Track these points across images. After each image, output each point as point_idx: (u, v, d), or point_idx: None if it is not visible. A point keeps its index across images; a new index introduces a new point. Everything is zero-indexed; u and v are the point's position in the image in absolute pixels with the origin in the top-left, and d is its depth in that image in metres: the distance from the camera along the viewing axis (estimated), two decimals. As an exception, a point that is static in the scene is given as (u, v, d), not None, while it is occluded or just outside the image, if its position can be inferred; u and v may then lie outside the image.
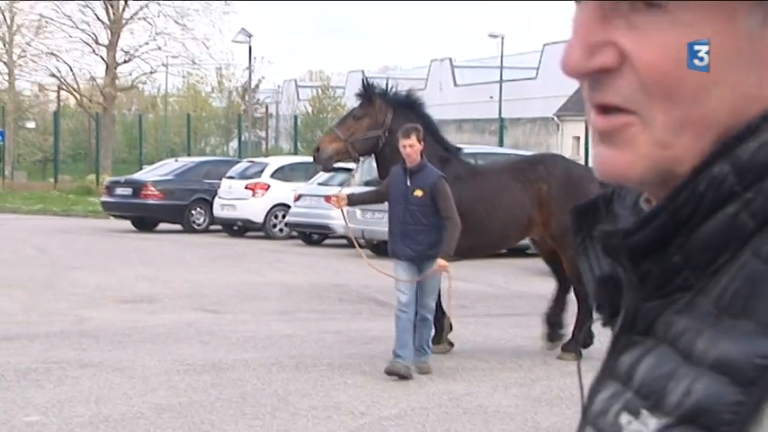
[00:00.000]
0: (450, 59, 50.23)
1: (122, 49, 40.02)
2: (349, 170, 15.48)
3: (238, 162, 22.53)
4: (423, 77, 51.09)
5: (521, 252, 15.02)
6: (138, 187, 21.25)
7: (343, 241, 17.15)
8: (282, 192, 19.44)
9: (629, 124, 0.71)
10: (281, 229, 19.77)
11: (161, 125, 48.69)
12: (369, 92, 8.52)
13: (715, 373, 0.66)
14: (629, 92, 0.71)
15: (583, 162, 23.49)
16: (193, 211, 21.15)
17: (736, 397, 0.64)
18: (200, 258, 15.93)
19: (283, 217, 19.44)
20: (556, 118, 39.78)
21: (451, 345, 8.37)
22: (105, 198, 22.17)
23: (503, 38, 37.32)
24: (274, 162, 21.11)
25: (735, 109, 0.69)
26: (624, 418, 0.72)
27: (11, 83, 42.88)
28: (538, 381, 7.44)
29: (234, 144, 44.46)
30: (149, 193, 21.05)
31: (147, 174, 22.98)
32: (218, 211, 20.32)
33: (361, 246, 10.27)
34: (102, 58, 39.95)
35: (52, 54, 41.08)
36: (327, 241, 18.60)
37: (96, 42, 40.06)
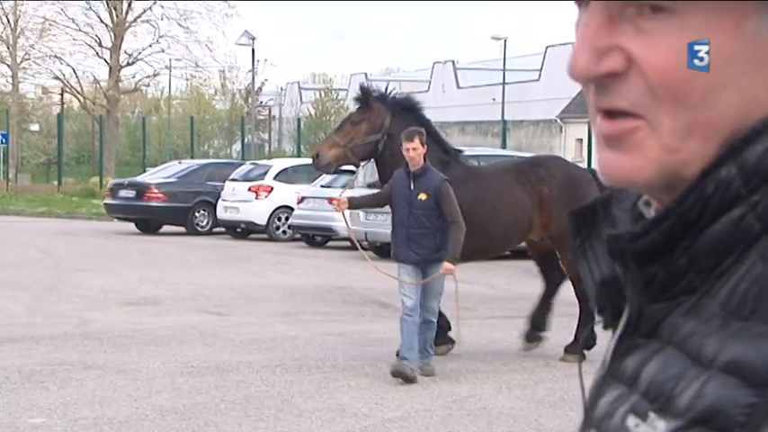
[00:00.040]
0: (453, 62, 50.23)
1: (126, 52, 40.10)
2: (352, 172, 15.51)
3: (241, 164, 22.55)
4: (426, 80, 51.12)
5: (523, 254, 14.98)
6: (141, 189, 21.28)
7: (347, 243, 17.15)
8: (285, 194, 19.46)
9: (637, 128, 0.72)
10: (284, 232, 19.78)
11: (164, 128, 48.73)
12: (366, 96, 8.48)
13: (727, 375, 0.66)
14: (636, 96, 0.71)
15: (586, 164, 23.51)
16: (197, 214, 21.17)
17: (749, 399, 0.64)
18: (204, 260, 15.96)
19: (286, 219, 19.46)
20: (559, 120, 39.77)
21: (452, 342, 8.36)
22: (109, 200, 22.20)
23: (505, 40, 37.33)
24: (277, 164, 21.14)
25: (742, 113, 0.69)
26: (631, 421, 0.71)
27: (14, 86, 42.95)
28: (541, 382, 7.45)
29: (237, 146, 44.48)
30: (153, 195, 21.09)
31: (151, 176, 23.01)
32: (221, 213, 20.35)
33: (364, 248, 10.28)
34: (106, 61, 40.00)
35: (56, 57, 41.18)
36: (330, 243, 18.61)
37: (100, 45, 40.13)
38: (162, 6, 41.03)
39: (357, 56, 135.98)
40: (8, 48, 41.76)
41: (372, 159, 8.59)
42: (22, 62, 42.18)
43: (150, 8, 39.79)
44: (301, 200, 18.21)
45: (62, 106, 46.11)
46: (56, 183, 36.22)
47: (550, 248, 8.68)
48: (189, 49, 41.22)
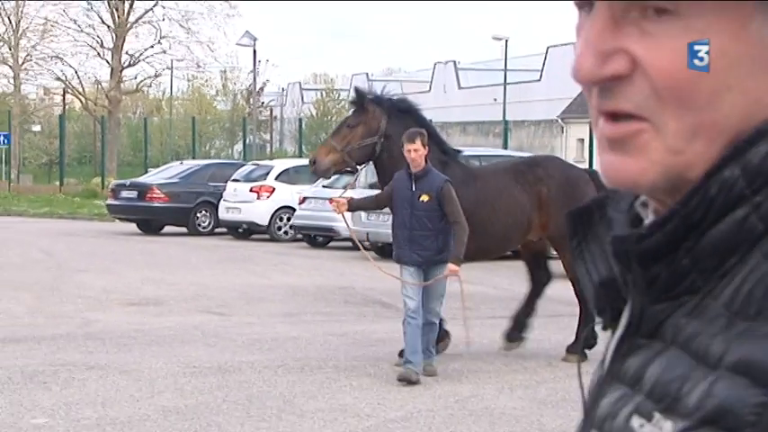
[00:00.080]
0: (455, 62, 50.23)
1: (127, 53, 40.11)
2: (353, 172, 15.52)
3: (243, 165, 22.56)
4: (427, 80, 51.13)
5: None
6: (143, 190, 21.30)
7: (348, 244, 17.16)
8: (287, 194, 19.47)
9: (642, 131, 0.72)
10: (285, 232, 19.79)
11: (166, 128, 48.75)
12: (361, 99, 8.41)
13: (735, 375, 0.66)
14: (641, 98, 0.71)
15: (587, 164, 23.50)
16: (198, 214, 21.18)
17: (759, 398, 0.64)
18: (206, 261, 15.97)
19: (288, 219, 19.47)
20: (560, 120, 39.76)
21: (448, 335, 8.36)
22: (111, 201, 22.22)
23: (507, 40, 37.33)
24: (279, 165, 21.14)
25: (746, 114, 0.70)
26: (636, 422, 0.71)
27: (16, 86, 42.99)
28: (543, 383, 7.45)
29: (239, 147, 44.54)
30: (154, 195, 21.10)
31: (153, 177, 23.03)
32: (223, 213, 20.36)
33: (366, 248, 10.28)
34: (108, 62, 40.03)
35: (58, 58, 41.22)
36: (332, 244, 18.62)
37: (101, 46, 40.18)
38: (163, 7, 41.05)
39: (358, 56, 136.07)
40: (10, 49, 41.80)
41: (369, 163, 8.57)
42: (23, 63, 42.22)
43: (152, 9, 39.85)
44: (303, 200, 18.22)
45: (64, 107, 46.14)
46: (58, 183, 36.26)
47: (542, 249, 8.72)
48: (190, 49, 41.24)
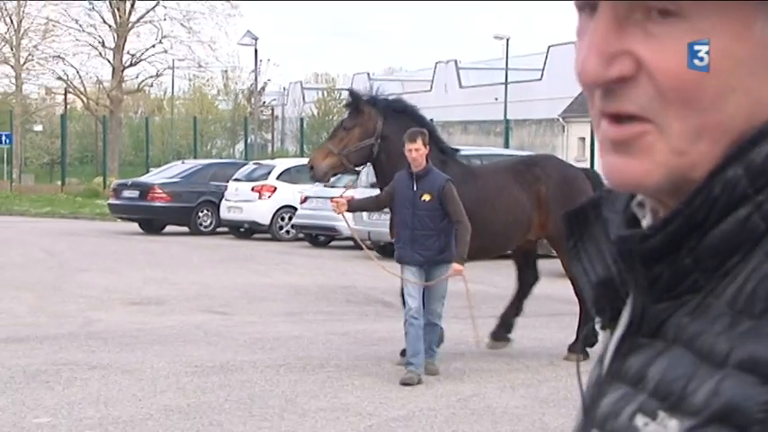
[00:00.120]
0: (456, 61, 50.22)
1: (129, 53, 40.12)
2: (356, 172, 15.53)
3: (245, 164, 22.57)
4: (428, 79, 51.12)
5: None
6: (144, 190, 21.31)
7: (350, 243, 17.17)
8: (289, 194, 19.48)
9: (646, 132, 0.72)
10: (287, 231, 19.81)
11: (167, 128, 48.77)
12: (356, 101, 8.37)
13: (743, 372, 0.66)
14: (645, 100, 0.71)
15: (588, 163, 23.49)
16: (200, 214, 21.20)
17: (767, 396, 0.65)
18: (208, 260, 15.98)
19: (290, 219, 19.48)
20: (561, 119, 39.76)
21: (441, 331, 8.37)
22: (112, 201, 22.24)
23: (508, 39, 37.35)
24: (281, 164, 21.15)
25: (750, 114, 0.70)
26: (640, 420, 0.71)
27: (18, 86, 43.01)
28: (545, 382, 7.46)
29: (240, 146, 44.50)
30: (156, 195, 21.11)
31: (154, 176, 23.05)
32: (224, 213, 20.37)
33: (369, 248, 10.27)
34: (109, 62, 40.05)
35: (59, 57, 41.23)
36: (334, 243, 18.63)
37: (103, 45, 40.18)
38: (165, 7, 41.14)
39: (360, 55, 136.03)
40: (12, 48, 41.83)
41: (368, 164, 8.55)
42: (25, 63, 42.25)
43: (153, 9, 39.86)
44: (304, 199, 18.22)
45: (65, 107, 46.15)
46: (59, 183, 36.28)
47: (532, 249, 8.75)
48: (192, 49, 41.21)
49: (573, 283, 8.27)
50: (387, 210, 8.04)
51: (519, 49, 55.85)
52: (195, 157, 31.82)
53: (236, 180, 20.45)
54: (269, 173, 20.29)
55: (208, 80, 49.97)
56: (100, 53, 40.36)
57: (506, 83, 36.60)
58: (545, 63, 42.90)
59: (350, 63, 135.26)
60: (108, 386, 7.09)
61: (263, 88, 46.51)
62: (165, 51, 40.40)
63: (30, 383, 7.13)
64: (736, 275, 0.70)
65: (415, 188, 7.38)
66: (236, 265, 15.37)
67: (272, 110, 52.14)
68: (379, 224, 15.09)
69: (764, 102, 0.70)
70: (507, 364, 8.04)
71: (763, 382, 0.65)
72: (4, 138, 36.11)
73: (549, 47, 42.74)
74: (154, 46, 40.23)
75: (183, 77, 50.68)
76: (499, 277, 13.81)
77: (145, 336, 9.07)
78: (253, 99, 38.03)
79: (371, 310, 10.88)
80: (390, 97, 8.72)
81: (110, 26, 39.76)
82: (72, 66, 41.23)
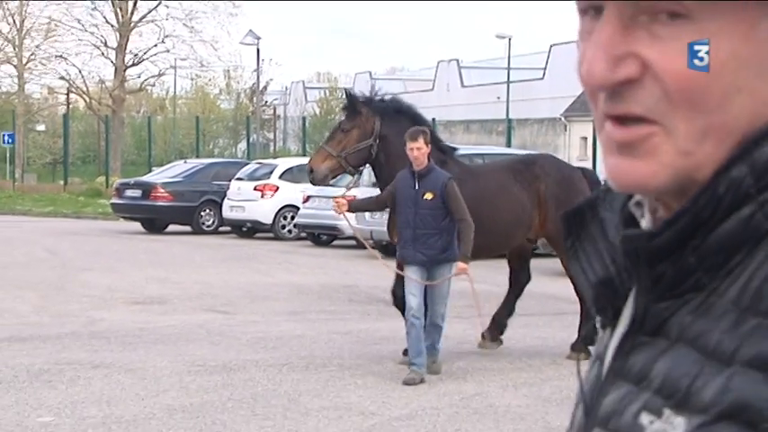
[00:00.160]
0: (458, 60, 50.19)
1: (131, 52, 40.16)
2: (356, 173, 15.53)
3: (247, 164, 22.58)
4: (430, 78, 51.10)
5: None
6: (147, 189, 21.33)
7: (352, 242, 17.17)
8: (291, 193, 19.48)
9: (652, 134, 0.72)
10: (289, 231, 19.81)
11: (170, 127, 48.78)
12: (353, 102, 8.35)
13: (752, 370, 0.66)
14: (651, 102, 0.72)
15: (591, 162, 23.48)
16: (203, 213, 21.21)
17: None
18: (210, 259, 15.99)
19: (292, 218, 19.49)
20: (563, 118, 39.73)
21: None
22: (115, 200, 22.26)
23: (510, 39, 37.32)
24: (283, 163, 21.16)
25: (755, 115, 0.71)
26: (645, 419, 0.72)
27: (20, 86, 43.04)
28: (548, 380, 7.46)
29: (242, 146, 44.52)
30: (159, 194, 21.13)
31: (157, 176, 23.05)
32: (227, 212, 20.38)
33: (372, 247, 10.28)
34: (111, 61, 40.08)
35: (61, 57, 41.25)
36: (336, 242, 18.63)
37: (105, 45, 40.21)
38: (167, 6, 41.18)
39: (361, 55, 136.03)
40: (14, 48, 41.87)
41: (367, 165, 8.54)
42: (27, 62, 42.26)
43: (155, 8, 39.88)
44: (307, 199, 18.23)
45: (68, 106, 46.17)
46: (62, 182, 36.29)
47: (526, 249, 8.76)
48: (194, 48, 41.18)
49: (573, 282, 8.30)
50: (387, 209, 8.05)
51: (521, 49, 55.89)
52: (197, 157, 31.84)
53: (239, 179, 20.46)
54: (271, 172, 20.30)
55: (210, 80, 49.99)
56: (102, 53, 40.41)
57: (508, 82, 36.58)
58: (547, 62, 42.87)
59: (352, 62, 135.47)
60: (111, 385, 7.10)
61: (265, 88, 46.53)
62: (168, 51, 40.45)
63: (33, 382, 7.14)
64: (740, 274, 0.70)
65: (417, 187, 7.38)
66: (238, 264, 15.38)
67: (275, 109, 52.14)
68: (382, 223, 15.08)
69: None
70: (510, 363, 8.04)
71: None
72: (6, 137, 36.14)
73: (551, 46, 42.71)
74: (156, 45, 40.28)
75: (185, 77, 50.83)
76: (502, 276, 13.80)
77: (148, 335, 9.08)
78: (255, 98, 38.07)
79: (374, 310, 10.89)
80: (387, 97, 8.70)
81: (112, 26, 39.80)
82: (74, 65, 41.43)
